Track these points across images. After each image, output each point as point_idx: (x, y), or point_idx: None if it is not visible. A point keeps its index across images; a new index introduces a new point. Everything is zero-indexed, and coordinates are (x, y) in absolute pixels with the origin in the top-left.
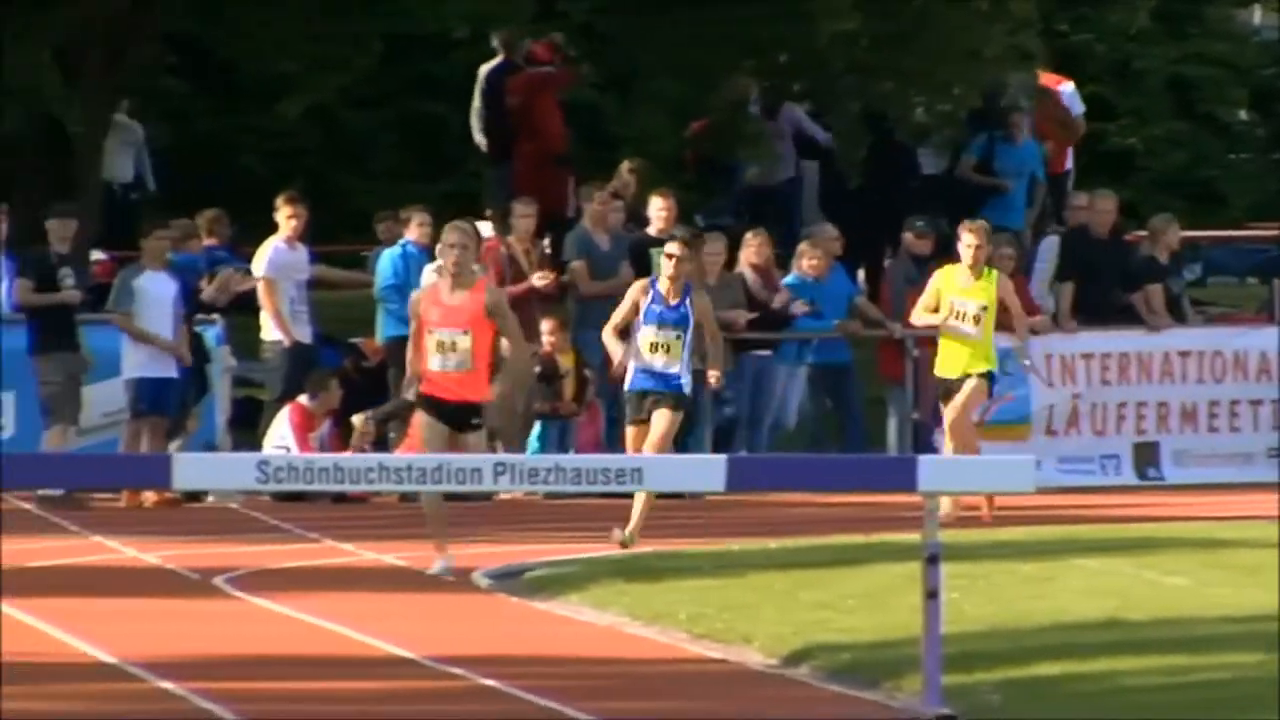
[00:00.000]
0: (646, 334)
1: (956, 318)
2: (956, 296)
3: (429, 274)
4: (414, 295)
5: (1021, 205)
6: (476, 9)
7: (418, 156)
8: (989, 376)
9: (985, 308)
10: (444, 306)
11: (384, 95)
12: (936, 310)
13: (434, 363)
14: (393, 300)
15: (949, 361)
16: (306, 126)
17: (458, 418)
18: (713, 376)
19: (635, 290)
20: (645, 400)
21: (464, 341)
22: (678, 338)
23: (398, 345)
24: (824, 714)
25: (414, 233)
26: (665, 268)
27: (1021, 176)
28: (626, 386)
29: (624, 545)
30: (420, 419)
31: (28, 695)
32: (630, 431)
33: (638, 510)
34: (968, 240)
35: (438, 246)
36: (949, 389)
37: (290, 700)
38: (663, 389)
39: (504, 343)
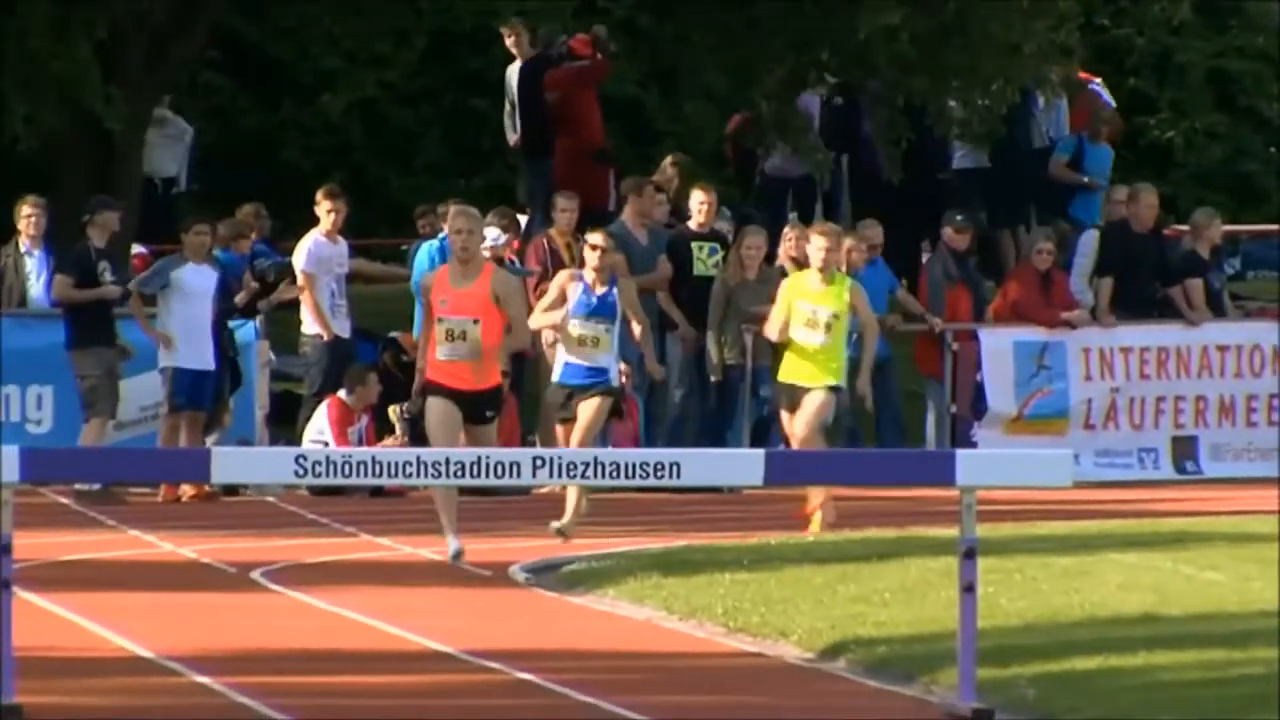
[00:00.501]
0: (574, 326)
1: (808, 325)
2: (806, 302)
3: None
4: (424, 279)
5: (1099, 204)
6: (521, 5)
7: (459, 151)
8: (835, 390)
9: (836, 315)
10: (453, 293)
11: (426, 91)
12: (789, 321)
13: (443, 351)
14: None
15: (795, 369)
16: (349, 121)
17: (473, 407)
18: (652, 371)
19: (562, 278)
20: (571, 397)
21: (474, 330)
22: (606, 330)
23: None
24: (860, 708)
25: (419, 222)
26: (589, 258)
27: (1104, 176)
28: (555, 379)
29: (563, 536)
30: (429, 406)
31: (63, 690)
32: (559, 431)
33: (572, 502)
34: (817, 243)
35: (447, 231)
36: (793, 399)
37: (327, 695)
38: (590, 382)
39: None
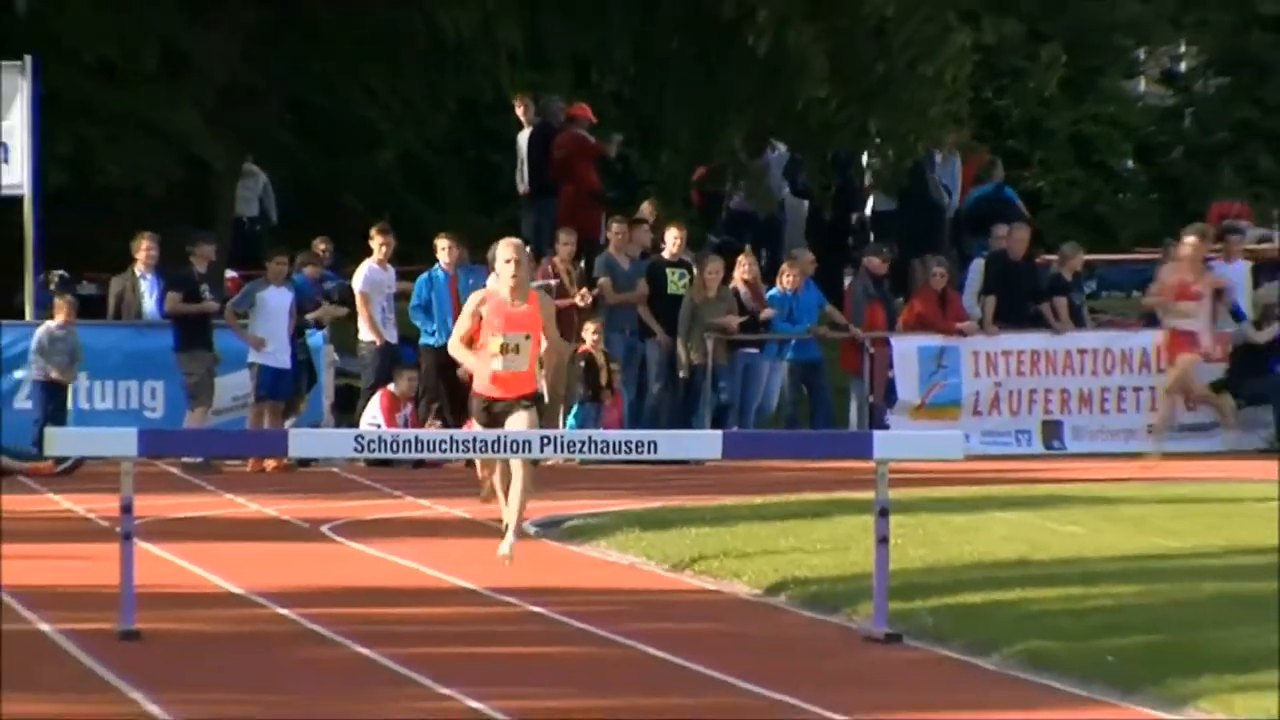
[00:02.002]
0: (495, 339)
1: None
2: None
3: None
4: (474, 300)
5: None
6: (530, 80)
7: (479, 195)
8: (539, 399)
9: (527, 336)
10: (507, 314)
11: (455, 147)
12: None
13: (498, 364)
14: (417, 317)
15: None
16: (395, 170)
17: (511, 411)
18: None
19: (473, 301)
20: (495, 408)
21: (526, 345)
22: (526, 337)
23: (426, 351)
24: (797, 633)
25: (444, 259)
26: (504, 273)
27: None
28: (476, 389)
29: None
30: (479, 415)
31: (174, 618)
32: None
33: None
34: (505, 253)
35: (496, 261)
36: (492, 413)
37: (379, 622)
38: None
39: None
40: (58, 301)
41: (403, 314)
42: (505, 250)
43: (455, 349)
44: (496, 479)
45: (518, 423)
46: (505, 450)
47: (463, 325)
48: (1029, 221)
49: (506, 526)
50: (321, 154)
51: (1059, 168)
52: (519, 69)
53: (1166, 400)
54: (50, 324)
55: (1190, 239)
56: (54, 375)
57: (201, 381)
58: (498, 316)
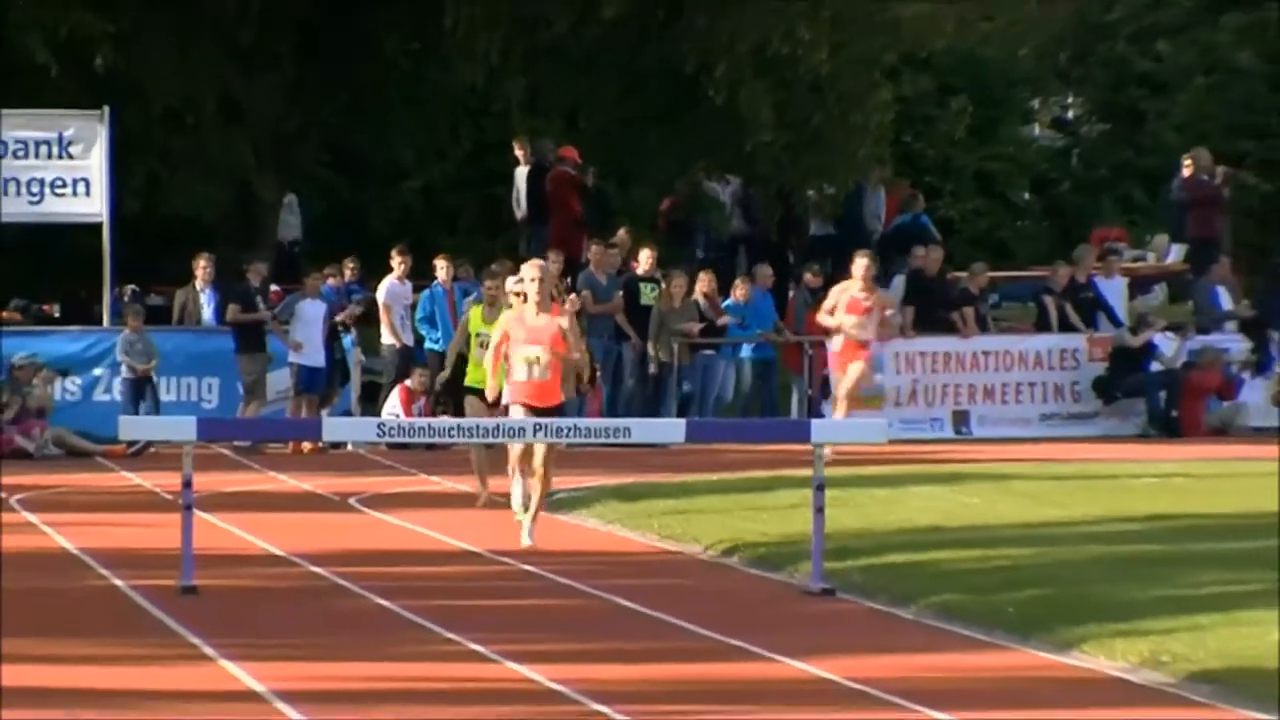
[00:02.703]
0: (519, 350)
1: (481, 346)
2: (481, 330)
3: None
4: (504, 319)
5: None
6: (531, 126)
7: (486, 221)
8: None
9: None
10: (529, 328)
11: (466, 181)
12: (468, 341)
13: (520, 373)
14: (423, 328)
15: (479, 376)
16: (415, 200)
17: (541, 415)
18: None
19: (503, 321)
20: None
21: (544, 356)
22: (548, 350)
23: (431, 355)
24: (746, 588)
25: (440, 276)
26: (530, 291)
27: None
28: (506, 399)
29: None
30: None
31: (226, 575)
32: (517, 448)
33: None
34: (488, 283)
35: (518, 279)
36: (485, 401)
37: (398, 579)
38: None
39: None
40: (130, 313)
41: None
42: (529, 270)
43: (490, 367)
44: (514, 486)
45: (542, 445)
46: (503, 436)
47: (495, 344)
48: (941, 244)
49: (528, 520)
50: (353, 186)
51: (966, 199)
52: (519, 115)
53: (844, 402)
54: (126, 331)
55: (862, 261)
56: (139, 370)
57: (256, 379)
58: (521, 330)
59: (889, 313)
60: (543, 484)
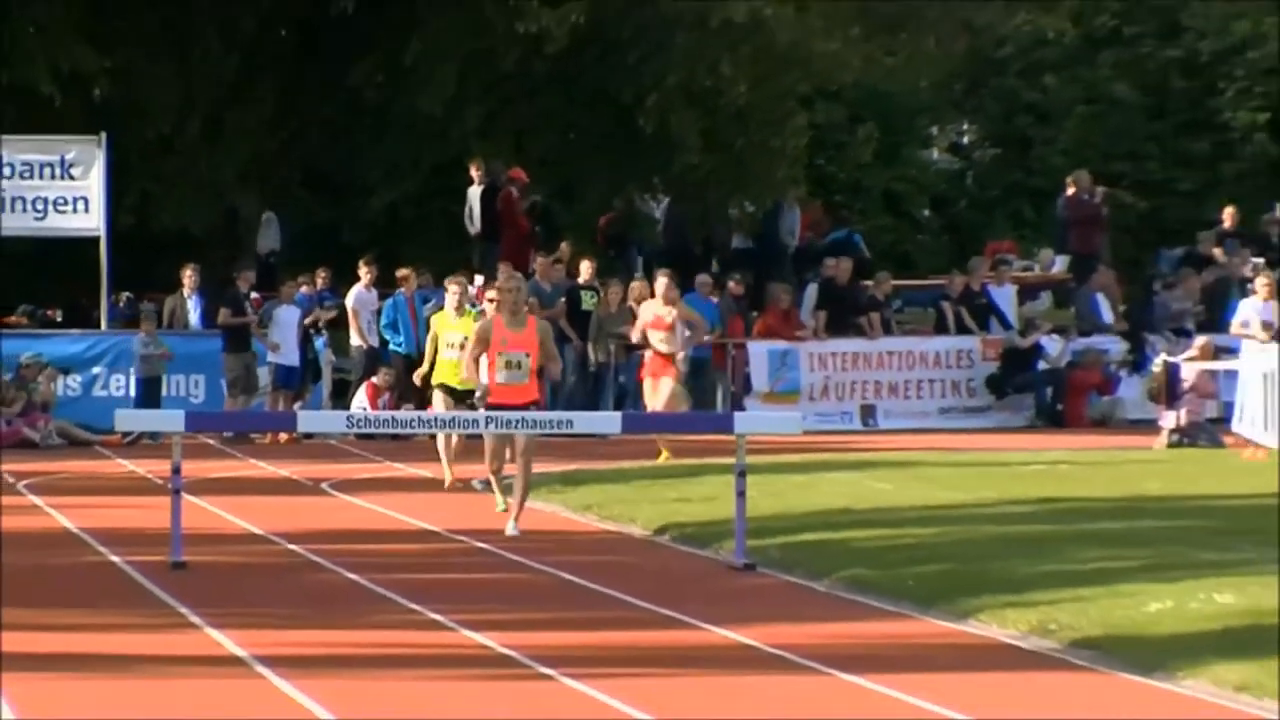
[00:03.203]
0: (500, 357)
1: (449, 347)
2: (448, 331)
3: (433, 307)
4: (479, 326)
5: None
6: (484, 149)
7: (444, 235)
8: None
9: (466, 338)
10: (509, 335)
11: (426, 197)
12: (435, 345)
13: (501, 376)
14: (387, 332)
15: (445, 374)
16: (381, 216)
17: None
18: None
19: (480, 327)
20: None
21: (526, 361)
22: (526, 355)
23: (395, 356)
24: (677, 564)
25: (403, 286)
26: (504, 301)
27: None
28: (489, 400)
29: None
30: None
31: (212, 552)
32: (489, 449)
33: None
34: (452, 289)
35: (497, 290)
36: (452, 396)
37: (363, 555)
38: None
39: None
40: (144, 317)
41: None
42: (509, 282)
43: (469, 370)
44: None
45: (525, 437)
46: (459, 427)
47: (473, 349)
48: (867, 259)
49: (513, 512)
50: (324, 203)
51: (874, 216)
52: (474, 140)
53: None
54: (140, 334)
55: (662, 279)
56: (148, 371)
57: (240, 376)
58: (502, 337)
59: (687, 323)
60: (524, 479)
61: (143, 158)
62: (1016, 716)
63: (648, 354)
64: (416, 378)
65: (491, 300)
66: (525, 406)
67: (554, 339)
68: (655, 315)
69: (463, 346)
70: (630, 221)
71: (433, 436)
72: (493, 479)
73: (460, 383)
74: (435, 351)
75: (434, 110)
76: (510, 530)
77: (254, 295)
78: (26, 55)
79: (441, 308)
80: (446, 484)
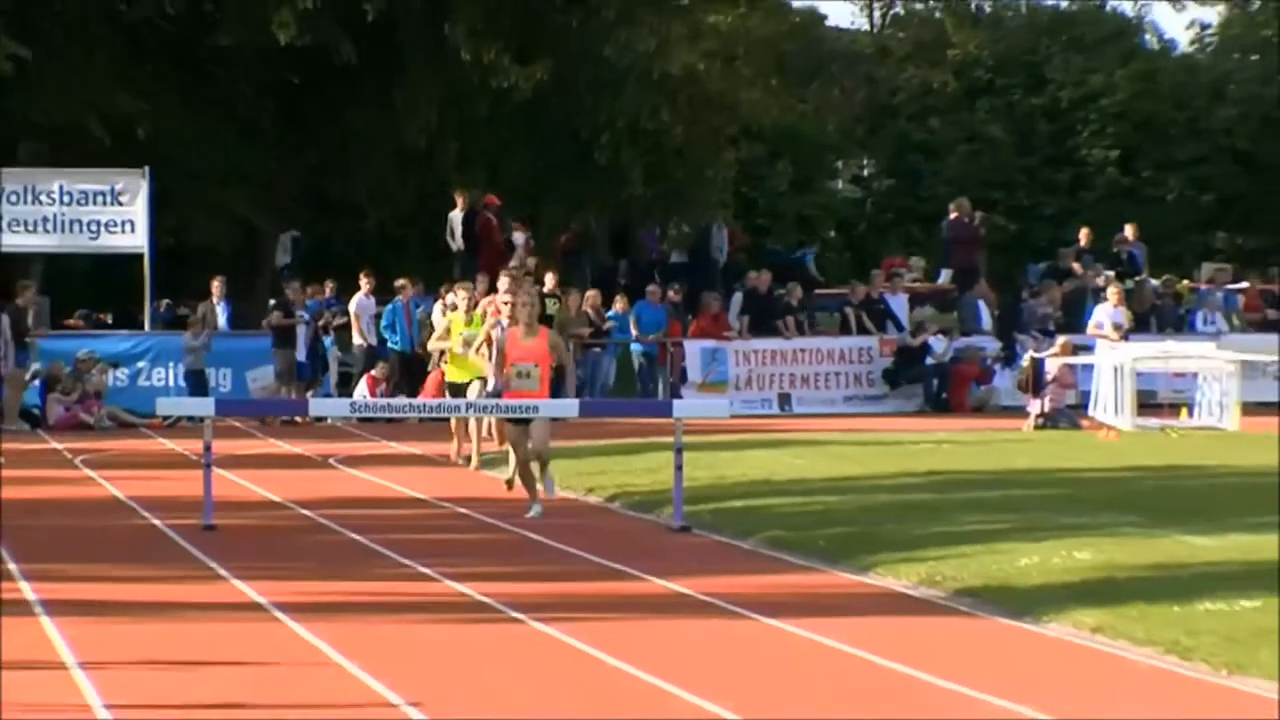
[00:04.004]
0: (513, 367)
1: (465, 344)
2: (464, 330)
3: (436, 309)
4: (497, 334)
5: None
6: (462, 179)
7: (428, 250)
8: (484, 380)
9: (536, 364)
10: (521, 346)
11: (412, 218)
12: (446, 338)
13: (513, 383)
14: (386, 332)
15: (457, 372)
16: (372, 234)
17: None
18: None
19: (488, 325)
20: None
21: (535, 371)
22: (535, 365)
23: (393, 353)
24: (626, 526)
25: (401, 294)
26: (520, 315)
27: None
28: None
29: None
30: (508, 426)
31: (238, 516)
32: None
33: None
34: (462, 295)
35: (509, 302)
36: (457, 390)
37: (364, 519)
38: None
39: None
40: (191, 320)
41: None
42: (522, 296)
43: (491, 371)
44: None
45: (538, 430)
46: (446, 412)
47: (496, 357)
48: (818, 279)
49: (532, 498)
50: (329, 223)
51: (789, 237)
52: (452, 169)
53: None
54: (188, 335)
55: (504, 282)
56: (193, 365)
57: (285, 369)
58: (516, 348)
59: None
60: (541, 464)
61: (180, 187)
62: (907, 654)
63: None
64: (433, 346)
65: (506, 303)
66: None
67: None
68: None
69: (468, 343)
70: (585, 240)
71: (421, 419)
72: (511, 459)
73: (463, 376)
74: (446, 345)
75: (418, 144)
76: (535, 512)
77: (272, 302)
78: (77, 102)
79: (430, 314)
80: (455, 456)
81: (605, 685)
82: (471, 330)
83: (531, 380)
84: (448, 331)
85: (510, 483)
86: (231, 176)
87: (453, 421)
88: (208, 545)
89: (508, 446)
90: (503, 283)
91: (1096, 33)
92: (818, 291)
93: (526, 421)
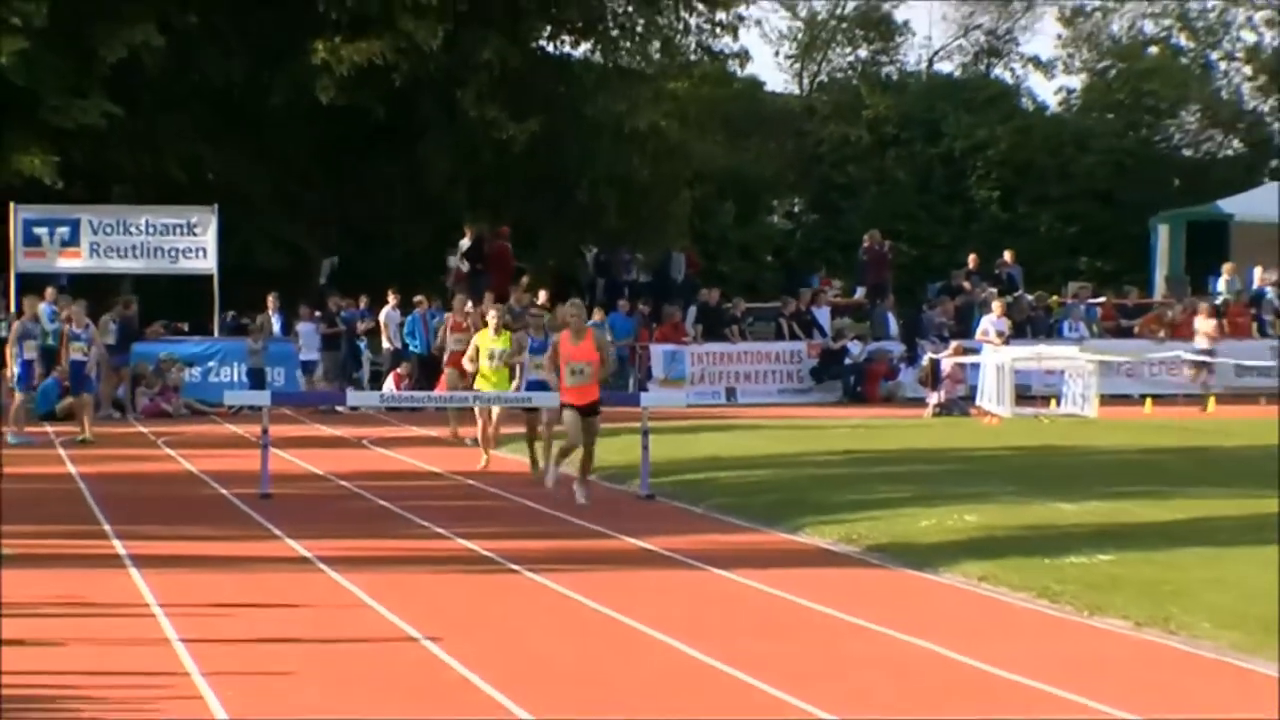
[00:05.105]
0: (566, 366)
1: (490, 358)
2: (489, 345)
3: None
4: (551, 343)
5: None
6: (472, 215)
7: (443, 273)
8: (599, 408)
9: (504, 350)
10: (572, 348)
11: (432, 247)
12: (475, 359)
13: (569, 380)
14: (408, 339)
15: (484, 384)
16: (400, 258)
17: (586, 411)
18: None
19: (554, 340)
20: (572, 409)
21: (588, 369)
22: (588, 364)
23: (414, 356)
24: (602, 494)
25: (419, 308)
26: (573, 324)
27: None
28: (561, 399)
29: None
30: (564, 414)
31: (289, 487)
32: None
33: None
34: (492, 314)
35: (566, 312)
36: (573, 411)
37: (391, 489)
38: (545, 389)
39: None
40: (252, 328)
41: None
42: (571, 309)
43: (548, 373)
44: (551, 458)
45: (590, 427)
46: (456, 403)
47: (549, 360)
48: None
49: (578, 483)
50: (362, 250)
51: (734, 263)
52: (464, 208)
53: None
54: (249, 340)
55: (460, 296)
56: (254, 364)
57: (331, 367)
58: (566, 350)
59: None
60: (589, 457)
61: (242, 219)
62: (829, 598)
63: (447, 355)
64: (469, 368)
65: (492, 320)
66: (590, 404)
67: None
68: (454, 320)
69: (492, 357)
70: (569, 265)
71: (437, 408)
72: (554, 450)
73: (491, 384)
74: (476, 359)
75: (436, 188)
76: (581, 499)
77: (317, 314)
78: (160, 152)
79: (443, 323)
80: (453, 437)
81: (588, 624)
82: (500, 345)
83: (585, 376)
84: (477, 351)
85: (539, 472)
86: (285, 212)
87: (451, 412)
88: (264, 510)
89: (541, 443)
90: (571, 307)
91: (983, 95)
92: (757, 305)
93: (586, 414)
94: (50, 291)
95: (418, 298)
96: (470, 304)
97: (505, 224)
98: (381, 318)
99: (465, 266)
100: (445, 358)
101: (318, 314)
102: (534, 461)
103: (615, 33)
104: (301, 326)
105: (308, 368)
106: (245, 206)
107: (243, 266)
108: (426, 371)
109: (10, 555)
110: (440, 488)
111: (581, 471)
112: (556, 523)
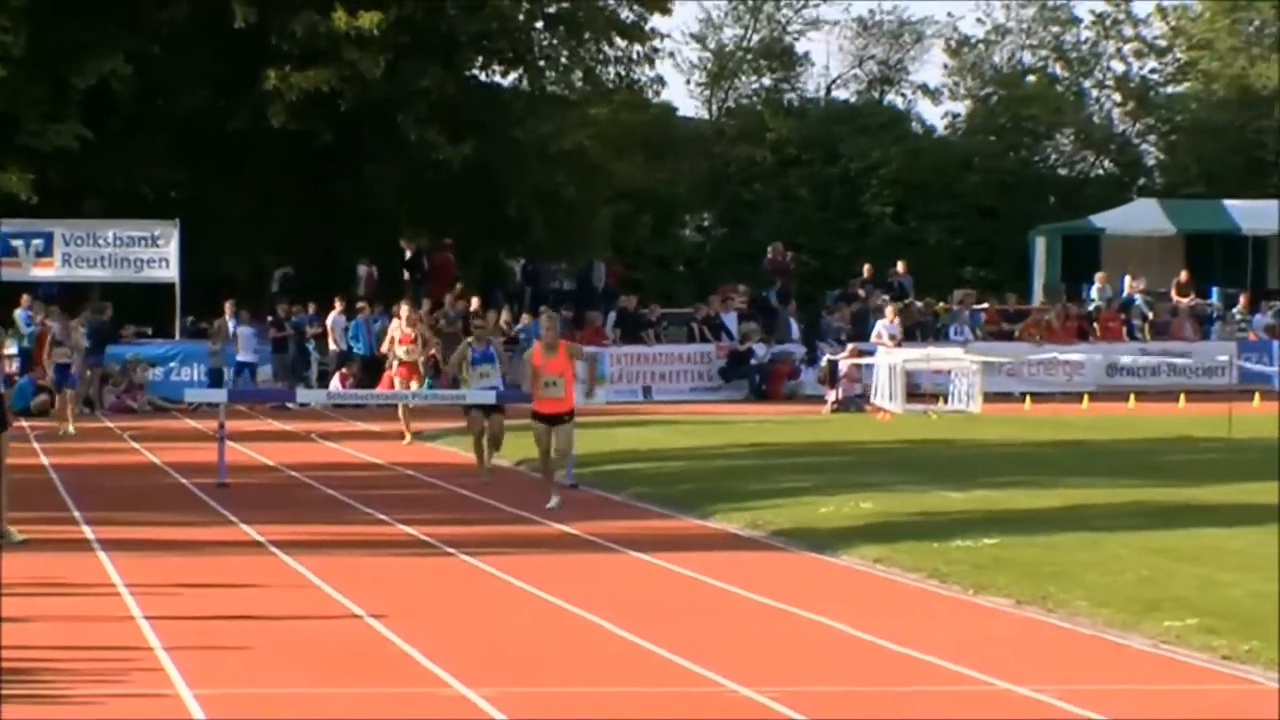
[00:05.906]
0: (540, 379)
1: (546, 385)
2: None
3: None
4: (527, 354)
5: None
6: (413, 229)
7: (384, 282)
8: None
9: (560, 375)
10: (545, 361)
11: (374, 258)
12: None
13: (542, 392)
14: (351, 341)
15: (543, 401)
16: (346, 269)
17: (555, 421)
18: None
19: (529, 352)
20: (544, 419)
21: (560, 380)
22: (560, 376)
23: (358, 357)
24: (531, 485)
25: (362, 313)
26: (545, 337)
27: None
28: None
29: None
30: (533, 426)
31: (244, 476)
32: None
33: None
34: (545, 323)
35: (543, 326)
36: (544, 420)
37: (338, 479)
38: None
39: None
40: (210, 332)
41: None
42: (544, 320)
43: (526, 386)
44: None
45: (562, 433)
46: (395, 400)
47: (528, 372)
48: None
49: (552, 489)
50: (311, 262)
51: (651, 272)
52: (405, 227)
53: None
54: (207, 343)
55: (404, 307)
56: (214, 364)
57: (281, 367)
58: (539, 363)
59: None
60: (559, 458)
61: (203, 232)
62: (737, 579)
63: (393, 364)
64: (455, 376)
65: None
66: (562, 414)
67: (453, 346)
68: (403, 333)
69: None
70: (499, 273)
71: (380, 405)
72: (542, 460)
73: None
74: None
75: (382, 204)
76: (554, 503)
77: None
78: (128, 171)
79: (384, 328)
80: (407, 440)
81: (519, 603)
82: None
83: (557, 389)
84: (463, 359)
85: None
86: (245, 227)
87: (400, 409)
88: (222, 498)
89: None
90: (545, 320)
91: (877, 120)
92: (671, 311)
93: (554, 424)
94: (25, 298)
95: (360, 304)
96: (416, 314)
97: (444, 238)
98: (329, 322)
99: (407, 275)
100: (394, 368)
101: (269, 318)
102: (480, 462)
103: (542, 63)
104: (241, 330)
105: (240, 369)
106: (209, 221)
107: (204, 276)
108: (369, 372)
109: (23, 541)
110: (383, 478)
111: (548, 475)
112: (490, 510)
